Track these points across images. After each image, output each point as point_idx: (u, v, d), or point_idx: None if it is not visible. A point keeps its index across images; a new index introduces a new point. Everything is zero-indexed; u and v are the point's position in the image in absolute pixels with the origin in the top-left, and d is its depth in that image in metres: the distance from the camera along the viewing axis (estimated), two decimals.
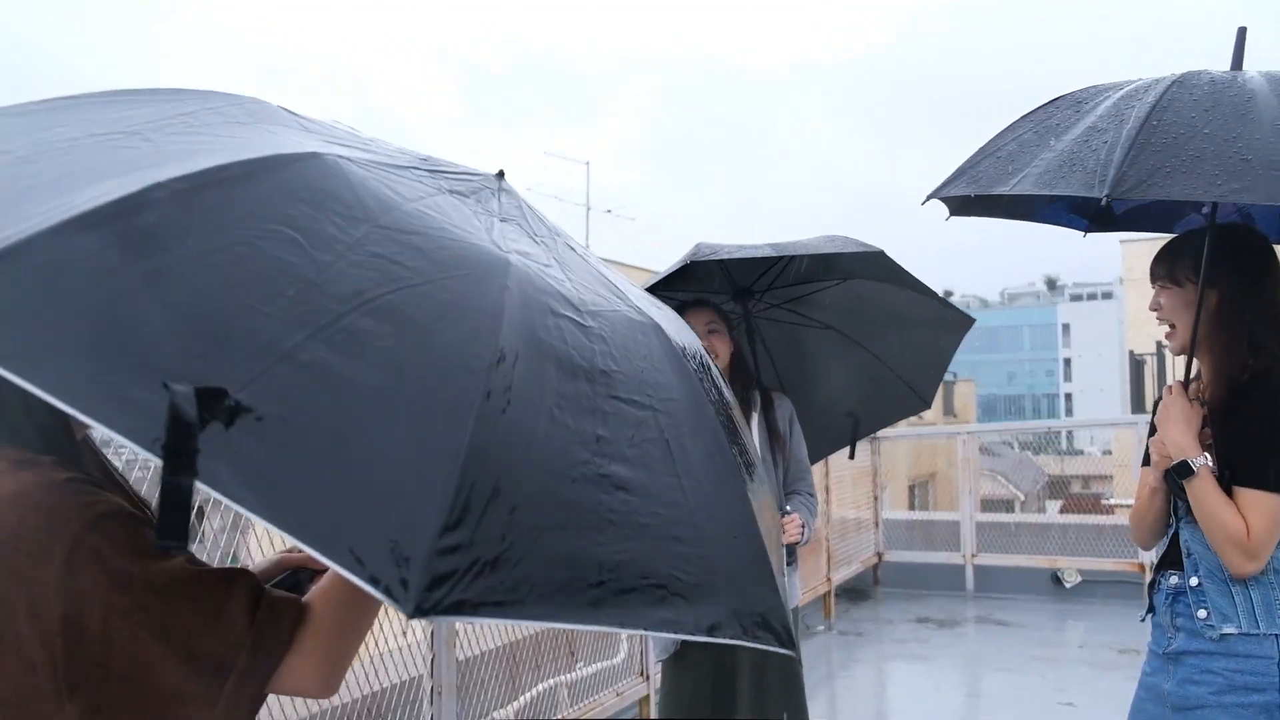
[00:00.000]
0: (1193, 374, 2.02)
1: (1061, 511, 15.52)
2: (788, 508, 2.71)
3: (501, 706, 3.68)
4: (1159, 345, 12.36)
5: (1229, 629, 1.83)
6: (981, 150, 1.96)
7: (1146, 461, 2.06)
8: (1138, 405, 12.60)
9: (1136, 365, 13.13)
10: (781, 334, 3.18)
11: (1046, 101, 2.02)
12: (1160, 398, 2.03)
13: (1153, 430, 2.03)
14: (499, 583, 0.77)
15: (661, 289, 2.74)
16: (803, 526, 2.68)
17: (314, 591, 1.07)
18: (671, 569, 0.92)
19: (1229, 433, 1.87)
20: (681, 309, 2.81)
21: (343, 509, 0.75)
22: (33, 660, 0.96)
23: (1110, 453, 21.03)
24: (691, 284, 2.86)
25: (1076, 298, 67.96)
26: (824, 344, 3.16)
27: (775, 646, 1.00)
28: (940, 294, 2.99)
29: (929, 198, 2.01)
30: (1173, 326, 2.01)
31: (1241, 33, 1.94)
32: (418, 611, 0.72)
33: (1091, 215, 2.38)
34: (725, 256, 2.55)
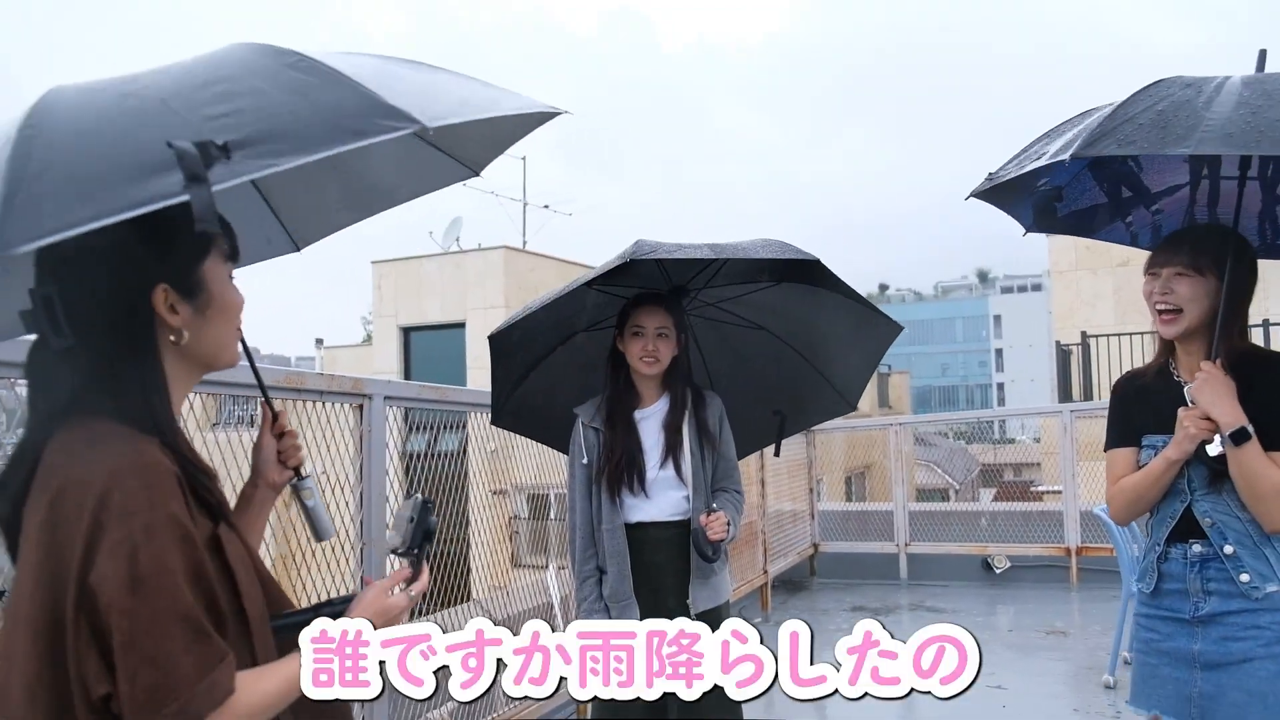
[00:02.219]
0: (1178, 355, 2.17)
1: (995, 499, 15.90)
2: (714, 505, 2.73)
3: (435, 707, 3.65)
4: (1084, 335, 12.72)
5: (1272, 587, 2.00)
6: (1113, 118, 1.87)
7: (1116, 444, 2.22)
8: (1064, 394, 12.95)
9: (1063, 355, 13.48)
10: (713, 332, 3.20)
11: (1145, 85, 1.95)
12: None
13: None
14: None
15: (600, 283, 2.73)
16: (728, 524, 2.70)
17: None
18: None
19: (1249, 407, 2.00)
20: (637, 302, 2.83)
21: (339, 120, 1.12)
22: (63, 619, 1.05)
23: (1040, 440, 21.54)
24: (630, 279, 2.86)
25: (1007, 290, 69.43)
26: (754, 343, 3.19)
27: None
28: (876, 286, 3.04)
29: (1074, 156, 1.88)
30: (1179, 311, 2.09)
31: (1262, 55, 2.04)
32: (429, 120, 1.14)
33: (1037, 217, 2.45)
34: (664, 256, 2.54)
